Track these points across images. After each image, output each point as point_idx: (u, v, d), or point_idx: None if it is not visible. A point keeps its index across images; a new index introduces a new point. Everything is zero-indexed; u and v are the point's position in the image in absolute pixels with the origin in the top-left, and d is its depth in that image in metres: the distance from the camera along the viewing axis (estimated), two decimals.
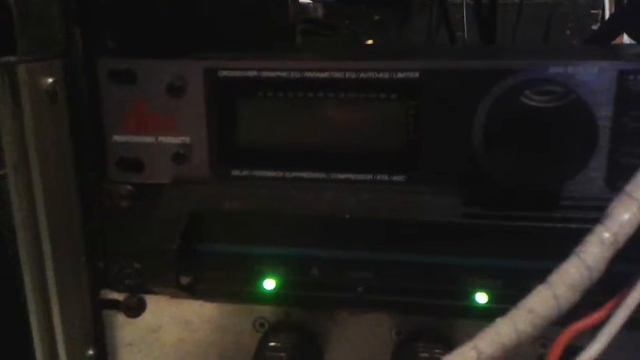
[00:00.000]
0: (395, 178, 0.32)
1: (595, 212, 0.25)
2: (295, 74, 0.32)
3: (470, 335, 0.35)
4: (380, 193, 0.32)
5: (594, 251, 0.22)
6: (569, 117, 0.27)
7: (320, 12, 1.15)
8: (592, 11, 1.15)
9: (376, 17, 1.18)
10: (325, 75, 0.32)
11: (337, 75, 0.32)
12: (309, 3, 1.14)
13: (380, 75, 0.31)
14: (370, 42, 0.92)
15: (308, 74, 0.32)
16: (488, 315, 0.28)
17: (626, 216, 0.22)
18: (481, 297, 0.31)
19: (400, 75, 0.31)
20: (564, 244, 0.24)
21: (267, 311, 0.36)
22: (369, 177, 0.33)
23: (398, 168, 0.32)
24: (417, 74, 0.31)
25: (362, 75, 0.31)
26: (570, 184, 0.30)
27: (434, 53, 0.38)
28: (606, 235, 0.22)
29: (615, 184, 0.30)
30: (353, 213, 0.32)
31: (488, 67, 0.30)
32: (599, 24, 1.20)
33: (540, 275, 0.24)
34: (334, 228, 0.32)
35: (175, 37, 0.35)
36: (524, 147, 0.27)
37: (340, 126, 0.33)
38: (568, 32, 1.17)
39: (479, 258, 0.31)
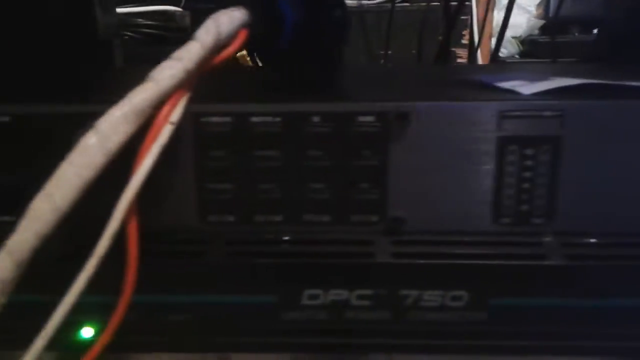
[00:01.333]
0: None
1: None
2: None
3: None
4: None
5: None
6: None
7: (187, 20, 1.15)
8: (462, 17, 1.19)
9: None
10: None
11: None
12: (176, 11, 1.13)
13: None
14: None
15: None
16: None
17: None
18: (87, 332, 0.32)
19: None
20: None
21: None
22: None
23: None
24: (7, 118, 0.31)
25: None
26: None
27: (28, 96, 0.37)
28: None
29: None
30: None
31: (75, 112, 0.31)
32: (467, 29, 1.24)
33: None
34: None
35: None
36: None
37: None
38: (440, 37, 1.20)
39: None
